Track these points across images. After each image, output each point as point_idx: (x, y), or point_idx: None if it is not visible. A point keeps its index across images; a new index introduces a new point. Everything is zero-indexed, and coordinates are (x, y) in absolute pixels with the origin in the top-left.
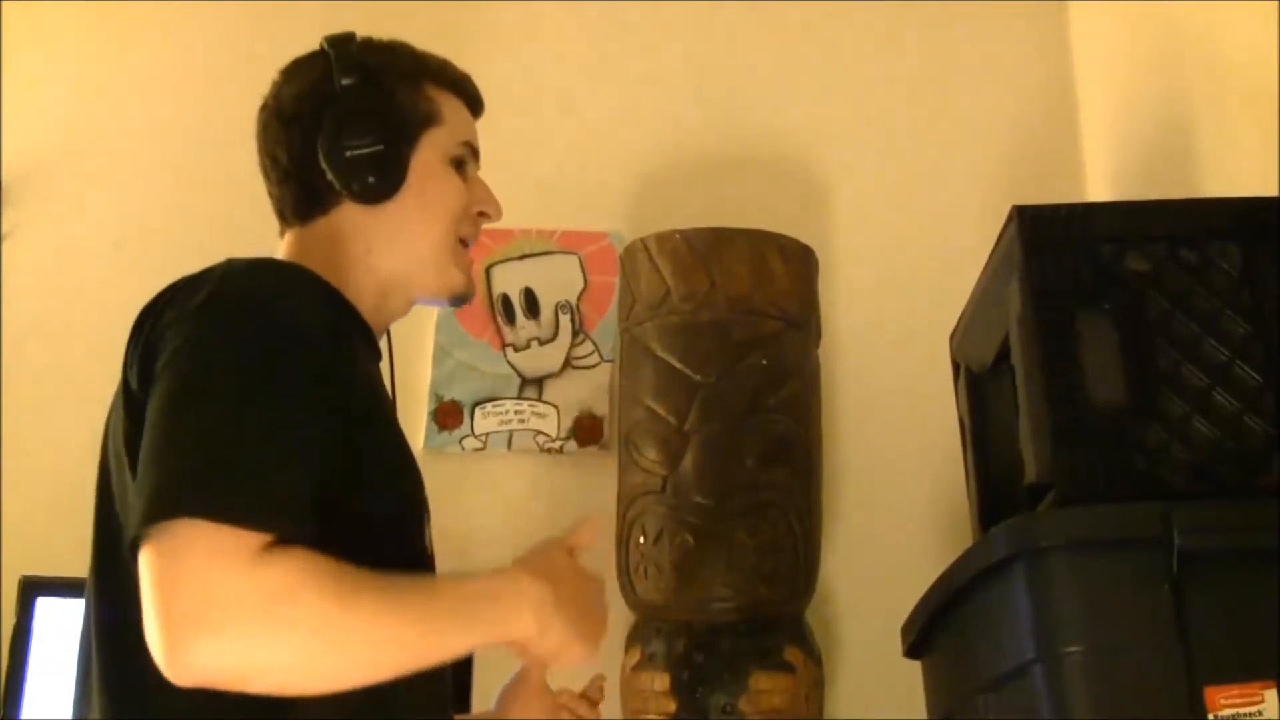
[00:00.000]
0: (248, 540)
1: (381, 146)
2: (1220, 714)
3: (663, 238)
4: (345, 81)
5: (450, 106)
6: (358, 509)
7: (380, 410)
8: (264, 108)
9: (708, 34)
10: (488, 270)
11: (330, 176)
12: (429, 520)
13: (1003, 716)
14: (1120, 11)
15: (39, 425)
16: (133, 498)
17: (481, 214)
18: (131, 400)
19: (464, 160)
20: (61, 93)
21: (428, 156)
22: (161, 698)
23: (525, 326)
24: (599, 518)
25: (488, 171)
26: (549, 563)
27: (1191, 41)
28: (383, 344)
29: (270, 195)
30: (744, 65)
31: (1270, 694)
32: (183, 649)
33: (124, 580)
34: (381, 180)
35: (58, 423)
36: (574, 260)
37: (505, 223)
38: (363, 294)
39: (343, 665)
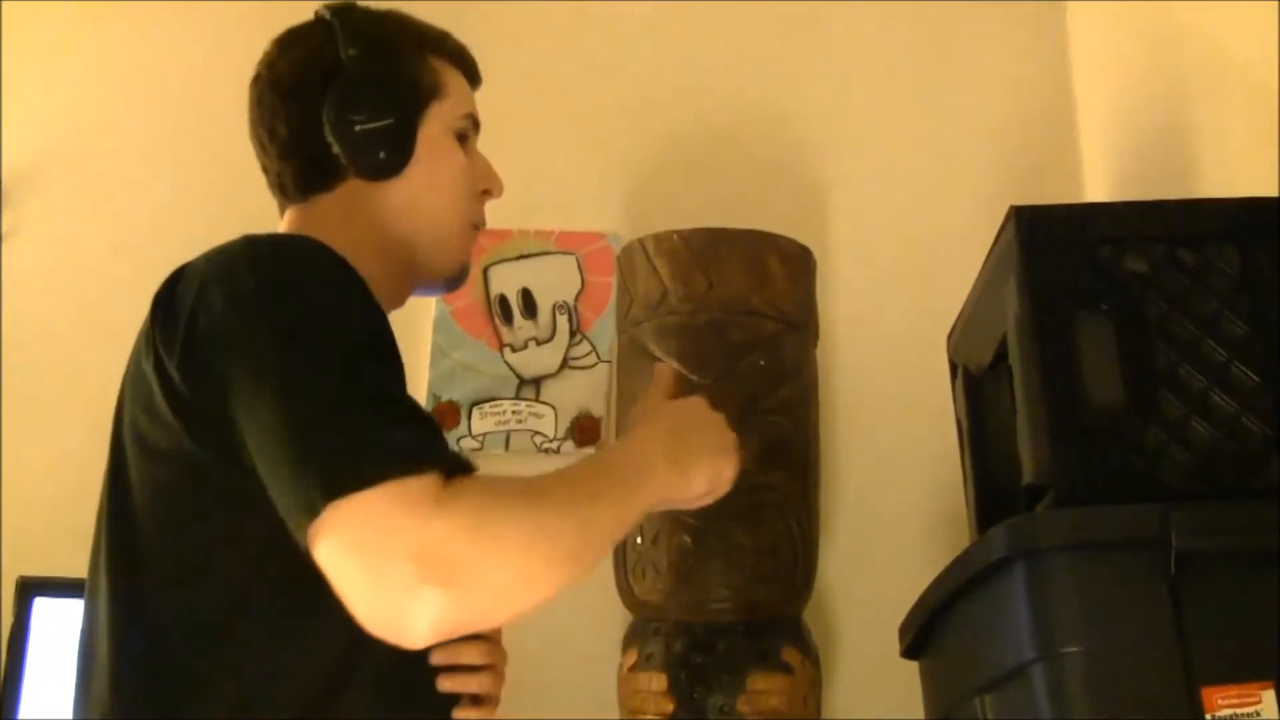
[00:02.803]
0: (424, 483)
1: (391, 120)
2: (1218, 714)
3: (660, 238)
4: (351, 52)
5: (452, 78)
6: None
7: None
8: (257, 79)
9: (707, 34)
10: (485, 271)
11: (337, 151)
12: None
13: (1001, 717)
14: (1119, 11)
15: (39, 425)
16: (292, 494)
17: (485, 192)
18: (173, 391)
19: (466, 133)
20: (61, 93)
21: (434, 130)
22: (182, 698)
23: (523, 327)
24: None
25: None
26: (659, 413)
27: (1191, 41)
28: None
29: (266, 170)
30: (743, 65)
31: (1268, 694)
32: (417, 610)
33: (140, 575)
34: (391, 155)
35: (57, 423)
36: (572, 260)
37: (503, 223)
38: (371, 274)
39: (556, 560)
